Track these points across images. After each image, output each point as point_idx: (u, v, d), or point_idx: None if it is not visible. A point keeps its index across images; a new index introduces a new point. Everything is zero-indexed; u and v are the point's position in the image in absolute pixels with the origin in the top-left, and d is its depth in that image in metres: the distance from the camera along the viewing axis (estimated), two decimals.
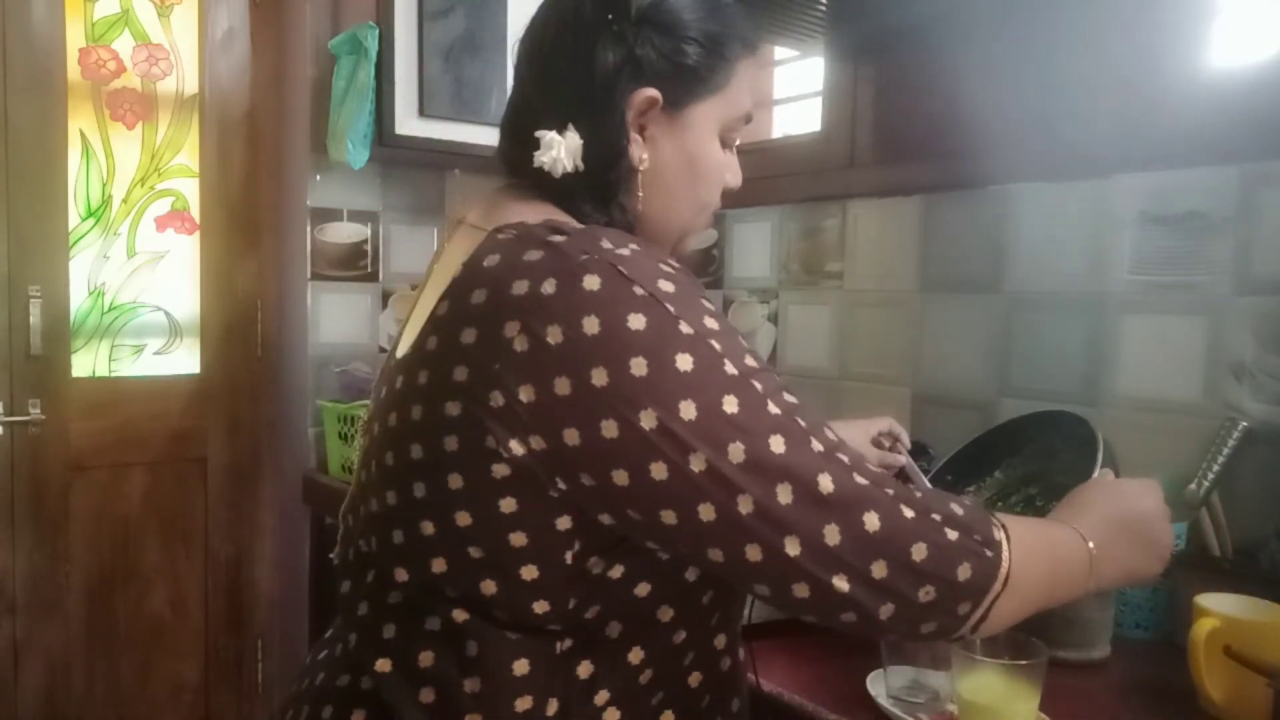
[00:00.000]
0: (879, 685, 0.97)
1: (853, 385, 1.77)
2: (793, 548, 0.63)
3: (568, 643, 0.70)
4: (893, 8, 1.53)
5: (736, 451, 0.62)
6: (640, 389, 0.62)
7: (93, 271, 2.01)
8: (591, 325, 0.63)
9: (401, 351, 0.74)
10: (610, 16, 0.74)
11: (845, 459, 0.66)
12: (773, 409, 0.64)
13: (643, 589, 0.70)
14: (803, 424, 0.65)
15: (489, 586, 0.68)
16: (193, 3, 2.08)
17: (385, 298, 2.10)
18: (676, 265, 0.69)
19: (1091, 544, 0.77)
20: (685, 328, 0.64)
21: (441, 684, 0.70)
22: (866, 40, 1.70)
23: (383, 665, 0.72)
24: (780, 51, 2.08)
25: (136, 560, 2.07)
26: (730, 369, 0.64)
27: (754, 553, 0.64)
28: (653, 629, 0.73)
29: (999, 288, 1.52)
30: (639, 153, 0.76)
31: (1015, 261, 1.50)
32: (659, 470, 0.62)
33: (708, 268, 2.08)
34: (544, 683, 0.69)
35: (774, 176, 1.92)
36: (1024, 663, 0.84)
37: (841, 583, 0.64)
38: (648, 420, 0.62)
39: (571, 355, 0.62)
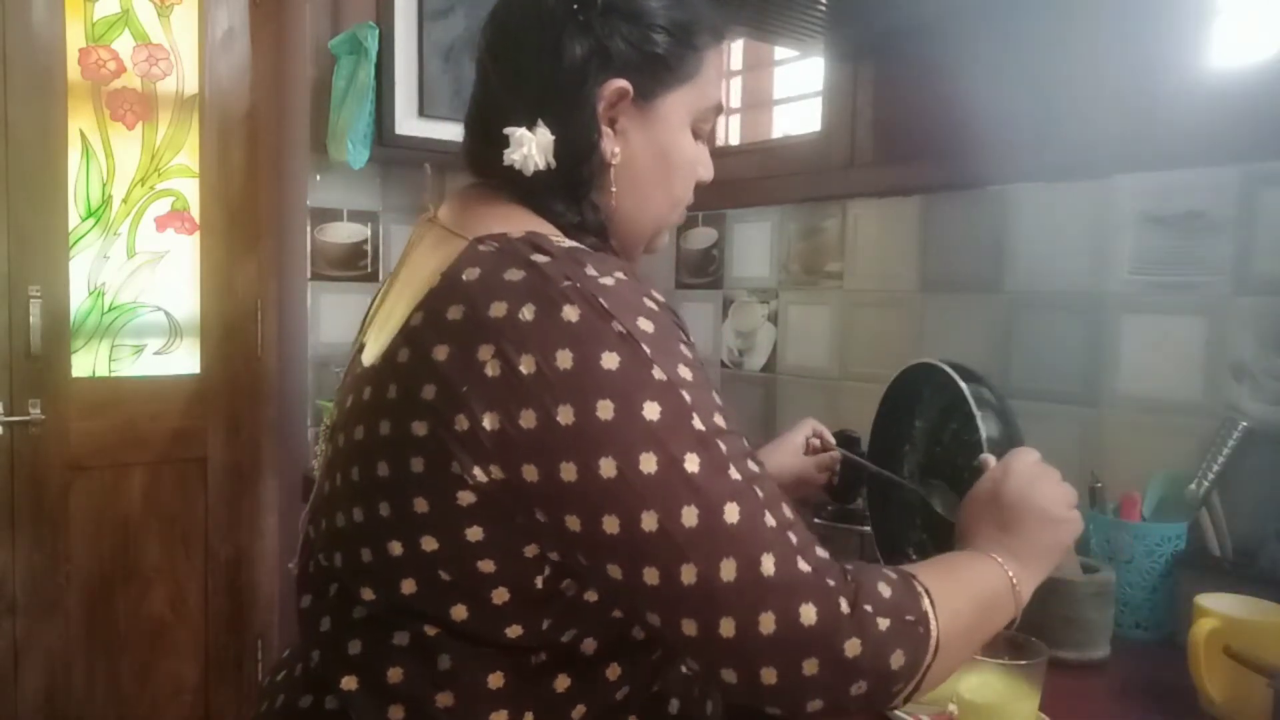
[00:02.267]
0: None
1: (853, 385, 1.77)
2: (727, 629, 0.60)
3: (542, 656, 0.69)
4: (893, 8, 1.53)
5: (690, 515, 0.60)
6: (603, 434, 0.60)
7: (93, 271, 2.01)
8: (564, 359, 0.61)
9: (370, 358, 0.71)
10: (576, 7, 0.72)
11: (794, 539, 0.63)
12: (733, 474, 0.62)
13: (618, 611, 0.69)
14: (760, 495, 0.63)
15: (460, 611, 0.66)
16: (193, 3, 2.08)
17: None
18: (660, 300, 0.67)
19: (1010, 573, 0.75)
20: (658, 373, 0.62)
21: (412, 700, 0.68)
22: (866, 40, 1.70)
23: (349, 683, 0.69)
24: (780, 51, 2.08)
25: (136, 560, 2.07)
26: (698, 424, 0.62)
27: (690, 627, 0.61)
28: (629, 646, 0.72)
29: (999, 288, 1.52)
30: (611, 146, 0.74)
31: (1015, 261, 1.50)
32: (610, 523, 0.60)
33: (708, 268, 2.08)
34: (519, 696, 0.68)
35: (774, 176, 1.92)
36: (1024, 663, 0.84)
37: (770, 676, 0.61)
38: (607, 468, 0.60)
39: (540, 388, 0.61)
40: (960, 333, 1.58)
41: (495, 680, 0.67)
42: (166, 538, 2.11)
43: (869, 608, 0.63)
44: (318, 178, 2.02)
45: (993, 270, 1.52)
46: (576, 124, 0.73)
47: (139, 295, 2.07)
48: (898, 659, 0.64)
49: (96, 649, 2.02)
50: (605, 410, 0.60)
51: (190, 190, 2.11)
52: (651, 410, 0.61)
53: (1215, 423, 1.23)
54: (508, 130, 0.72)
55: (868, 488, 1.31)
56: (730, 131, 2.19)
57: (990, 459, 0.90)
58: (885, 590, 0.65)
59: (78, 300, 1.99)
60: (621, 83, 0.73)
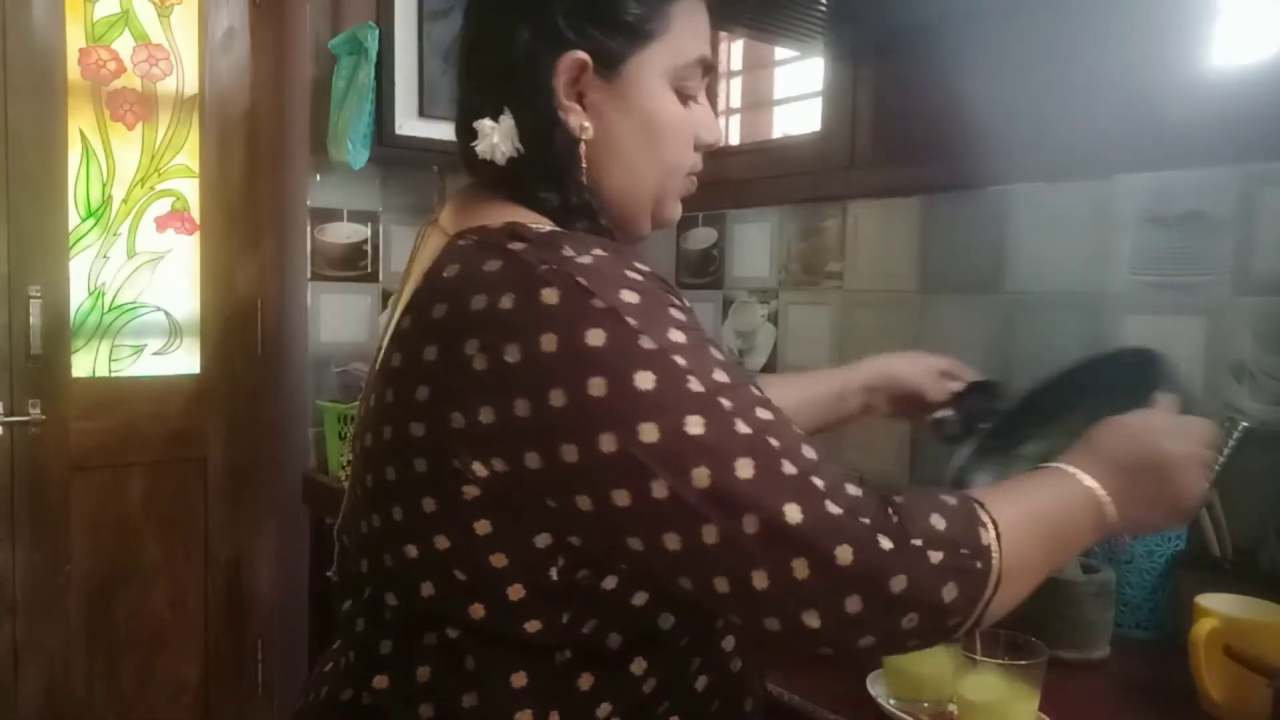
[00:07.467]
0: (879, 686, 0.97)
1: None
2: (760, 581, 0.60)
3: (566, 654, 0.69)
4: (893, 8, 1.53)
5: (701, 476, 0.59)
6: (599, 410, 0.59)
7: (93, 271, 2.01)
8: (549, 343, 0.60)
9: (378, 365, 0.73)
10: None
11: (819, 483, 0.61)
12: (741, 428, 0.61)
13: (639, 598, 0.68)
14: (775, 444, 0.61)
15: (477, 610, 0.66)
16: (193, 3, 2.08)
17: (385, 298, 2.10)
18: (644, 270, 0.65)
19: (1103, 493, 0.71)
20: (647, 342, 0.61)
21: (440, 699, 0.69)
22: (866, 40, 1.70)
23: (380, 682, 0.71)
24: (780, 51, 2.08)
25: (136, 560, 2.07)
26: (696, 386, 0.61)
27: (722, 584, 0.61)
28: (655, 637, 0.71)
29: (999, 288, 1.52)
30: (579, 122, 0.72)
31: (1015, 262, 1.49)
32: (621, 497, 0.60)
33: (708, 268, 2.08)
34: (544, 694, 0.68)
35: (774, 176, 1.92)
36: (1024, 663, 0.84)
37: (812, 619, 0.61)
38: (607, 444, 0.59)
39: (529, 375, 0.60)
40: (960, 333, 1.58)
41: (519, 680, 0.68)
42: (166, 538, 2.11)
43: (918, 541, 0.62)
44: (318, 178, 2.02)
45: (993, 270, 1.52)
46: (536, 106, 0.72)
47: (139, 295, 2.07)
48: (950, 591, 0.63)
49: (96, 649, 2.02)
50: (597, 387, 0.59)
51: (190, 190, 2.11)
52: (645, 380, 0.60)
53: (1215, 423, 1.22)
54: (476, 124, 0.73)
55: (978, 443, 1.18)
56: (730, 131, 2.19)
57: (1168, 399, 0.83)
58: (939, 522, 0.64)
59: (78, 300, 1.99)
60: (577, 55, 0.71)
